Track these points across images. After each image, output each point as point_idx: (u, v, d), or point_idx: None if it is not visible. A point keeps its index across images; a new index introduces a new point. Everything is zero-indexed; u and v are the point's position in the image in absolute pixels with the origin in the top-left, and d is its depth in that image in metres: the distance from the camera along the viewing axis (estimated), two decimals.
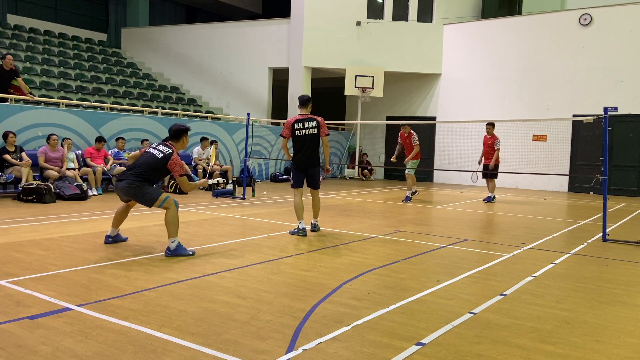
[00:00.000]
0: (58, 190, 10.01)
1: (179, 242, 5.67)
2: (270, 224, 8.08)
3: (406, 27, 18.90)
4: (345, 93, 18.70)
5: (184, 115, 16.44)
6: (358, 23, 18.53)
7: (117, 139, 12.42)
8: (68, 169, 10.79)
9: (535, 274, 5.36)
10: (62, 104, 12.89)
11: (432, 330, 3.61)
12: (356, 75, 18.22)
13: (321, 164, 7.55)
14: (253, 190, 12.18)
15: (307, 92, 18.19)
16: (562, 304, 4.38)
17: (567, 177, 16.80)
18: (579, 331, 3.73)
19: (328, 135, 7.45)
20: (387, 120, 20.07)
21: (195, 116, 16.79)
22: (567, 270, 5.64)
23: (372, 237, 7.25)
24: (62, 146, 10.97)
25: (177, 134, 5.98)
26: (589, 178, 14.18)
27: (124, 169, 11.22)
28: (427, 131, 18.86)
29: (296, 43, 18.77)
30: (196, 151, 14.00)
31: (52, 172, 10.38)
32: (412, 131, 12.04)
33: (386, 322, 3.78)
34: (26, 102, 12.00)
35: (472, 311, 4.06)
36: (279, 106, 20.92)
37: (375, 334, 3.52)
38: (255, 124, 17.04)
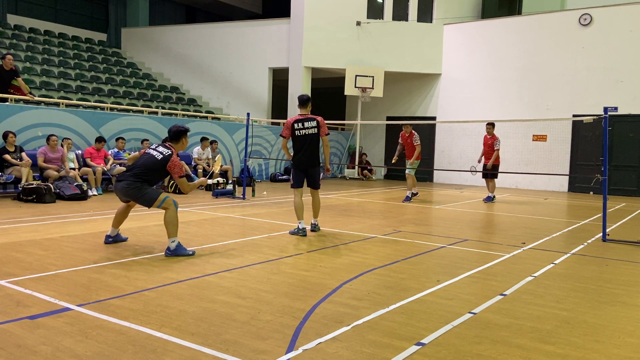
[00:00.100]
0: (58, 190, 10.01)
1: (178, 242, 5.67)
2: (270, 224, 8.08)
3: (406, 27, 18.90)
4: (345, 93, 18.71)
5: (184, 115, 16.44)
6: (358, 23, 18.53)
7: (117, 139, 12.42)
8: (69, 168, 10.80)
9: (535, 274, 5.36)
10: (62, 104, 12.89)
11: (432, 330, 3.61)
12: (356, 75, 18.23)
13: (321, 164, 7.55)
14: (253, 190, 12.18)
15: (307, 92, 18.18)
16: (562, 304, 4.38)
17: (567, 177, 16.80)
18: (579, 331, 3.73)
19: (328, 135, 7.44)
20: (387, 120, 20.07)
21: (195, 116, 16.79)
22: (567, 270, 5.64)
23: (372, 237, 7.24)
24: (62, 146, 10.98)
25: (177, 135, 5.98)
26: (589, 178, 14.19)
27: (123, 169, 11.23)
28: (427, 131, 18.86)
29: (296, 43, 18.77)
30: (196, 151, 14.00)
31: (52, 172, 10.38)
32: (413, 131, 12.04)
33: (386, 322, 3.78)
34: (26, 102, 12.00)
35: (472, 311, 4.06)
36: (279, 106, 20.92)
37: (375, 334, 3.52)
38: (255, 124, 17.05)
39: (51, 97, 14.57)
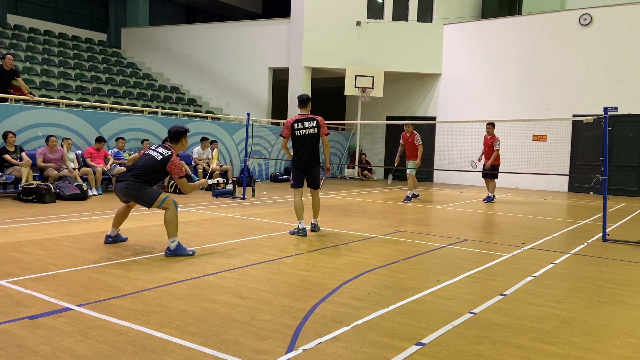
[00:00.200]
0: (58, 190, 10.01)
1: (178, 242, 5.67)
2: (270, 224, 8.08)
3: (406, 27, 18.90)
4: (345, 93, 18.71)
5: (184, 115, 16.44)
6: (358, 23, 18.53)
7: (117, 139, 12.42)
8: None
9: (535, 274, 5.36)
10: (62, 104, 12.89)
11: (432, 330, 3.61)
12: (356, 75, 18.23)
13: (321, 164, 7.55)
14: (253, 190, 12.18)
15: (307, 92, 18.18)
16: (562, 304, 4.38)
17: (567, 177, 16.80)
18: (579, 331, 3.73)
19: (328, 135, 7.44)
20: (387, 120, 20.08)
21: (195, 116, 16.79)
22: (567, 270, 5.64)
23: (372, 237, 7.24)
24: (61, 146, 10.98)
25: (176, 136, 5.98)
26: (589, 178, 14.20)
27: (123, 169, 11.24)
28: (427, 131, 18.85)
29: (296, 43, 18.77)
30: (196, 151, 14.00)
31: (52, 171, 10.38)
32: (414, 131, 12.04)
33: (386, 322, 3.78)
34: (26, 102, 12.00)
35: (472, 311, 4.06)
36: (279, 106, 20.92)
37: (375, 334, 3.52)
38: (255, 124, 17.05)
39: (51, 97, 14.56)
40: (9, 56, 11.53)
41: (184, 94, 21.12)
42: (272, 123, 18.37)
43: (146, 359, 3.02)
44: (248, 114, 12.23)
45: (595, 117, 8.32)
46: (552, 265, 5.85)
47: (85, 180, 10.98)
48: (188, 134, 6.17)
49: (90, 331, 3.40)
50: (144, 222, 7.78)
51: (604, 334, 3.69)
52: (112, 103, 16.22)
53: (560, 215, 10.87)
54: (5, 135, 10.10)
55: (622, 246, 7.16)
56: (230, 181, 12.32)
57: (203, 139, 14.10)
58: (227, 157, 15.66)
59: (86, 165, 11.32)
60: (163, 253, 5.70)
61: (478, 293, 4.62)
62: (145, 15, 23.89)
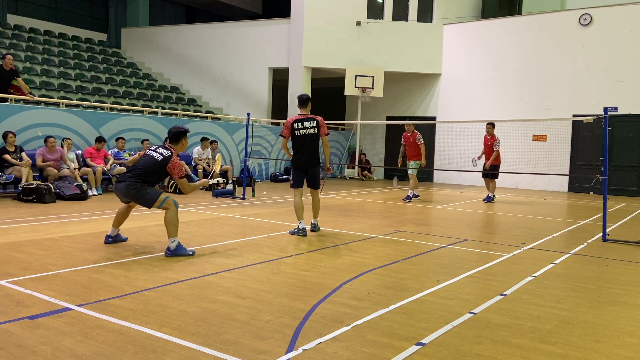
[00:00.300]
0: (58, 190, 10.01)
1: (179, 242, 5.68)
2: (270, 224, 8.08)
3: (406, 27, 18.90)
4: (345, 93, 18.70)
5: (184, 115, 16.44)
6: (358, 23, 18.53)
7: (117, 139, 12.42)
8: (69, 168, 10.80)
9: (535, 274, 5.36)
10: (62, 104, 12.89)
11: (432, 330, 3.61)
12: (356, 75, 18.23)
13: (321, 164, 7.55)
14: (253, 190, 12.18)
15: (307, 92, 18.18)
16: (562, 304, 4.38)
17: (567, 177, 16.80)
18: (579, 331, 3.73)
19: (328, 135, 7.45)
20: (387, 120, 20.08)
21: (195, 116, 16.79)
22: (567, 270, 5.64)
23: (372, 237, 7.24)
24: (61, 146, 10.98)
25: (176, 136, 5.99)
26: (589, 178, 14.20)
27: (123, 169, 11.25)
28: (427, 131, 18.82)
29: (296, 43, 18.77)
30: (196, 151, 14.00)
31: (52, 170, 10.38)
32: (415, 130, 12.04)
33: (386, 322, 3.78)
34: (26, 102, 12.00)
35: (472, 311, 4.06)
36: (279, 106, 20.92)
37: (375, 334, 3.52)
38: (255, 124, 17.05)
39: (51, 97, 14.57)
40: (9, 56, 11.53)
41: (184, 94, 21.12)
42: (272, 123, 18.37)
43: (146, 359, 3.02)
44: (248, 114, 12.24)
45: (595, 117, 8.32)
46: (552, 265, 5.85)
47: (85, 180, 10.98)
48: (188, 134, 6.18)
49: (90, 331, 3.40)
50: (144, 222, 7.78)
51: (604, 334, 3.69)
52: (112, 103, 16.22)
53: (560, 215, 10.87)
54: (5, 135, 10.10)
55: (622, 246, 7.16)
56: (230, 181, 12.32)
57: (203, 139, 14.10)
58: (227, 157, 15.66)
59: (86, 165, 11.32)
60: (163, 253, 5.70)
61: (478, 293, 4.62)
62: (145, 15, 23.89)
